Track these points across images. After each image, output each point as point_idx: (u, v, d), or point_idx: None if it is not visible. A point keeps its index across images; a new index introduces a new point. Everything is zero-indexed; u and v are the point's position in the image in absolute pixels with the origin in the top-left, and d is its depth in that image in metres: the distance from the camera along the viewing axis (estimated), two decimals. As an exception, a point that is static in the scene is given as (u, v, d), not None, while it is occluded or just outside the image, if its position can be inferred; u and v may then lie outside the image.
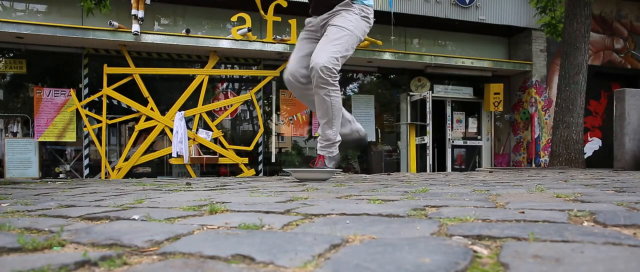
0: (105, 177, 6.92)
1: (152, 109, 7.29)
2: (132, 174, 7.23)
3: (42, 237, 0.80)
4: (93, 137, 7.20)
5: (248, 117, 8.65)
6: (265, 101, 8.35)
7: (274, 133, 8.52)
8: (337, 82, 2.56)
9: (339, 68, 2.54)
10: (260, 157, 8.11)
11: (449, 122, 9.41)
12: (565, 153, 6.72)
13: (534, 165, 9.06)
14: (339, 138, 2.80)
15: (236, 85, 8.45)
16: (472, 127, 9.74)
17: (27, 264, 0.60)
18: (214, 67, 7.75)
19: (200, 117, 7.59)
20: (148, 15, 7.32)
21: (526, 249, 0.65)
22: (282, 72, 3.17)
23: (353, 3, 2.66)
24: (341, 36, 2.56)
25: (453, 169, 9.23)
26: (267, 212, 1.12)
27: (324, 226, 0.90)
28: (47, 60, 7.63)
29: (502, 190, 1.76)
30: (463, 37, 9.50)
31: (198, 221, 1.00)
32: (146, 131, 7.36)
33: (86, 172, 7.45)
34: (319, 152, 2.82)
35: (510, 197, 1.42)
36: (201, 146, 7.56)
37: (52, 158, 7.62)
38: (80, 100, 7.25)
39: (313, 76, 2.49)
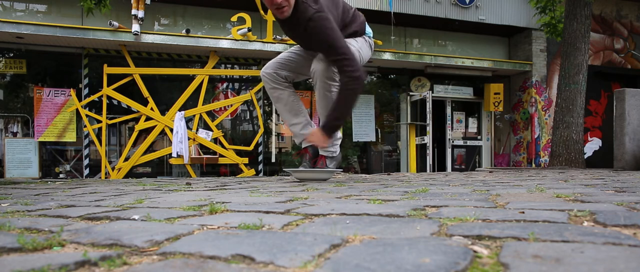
0: (105, 177, 6.93)
1: (152, 109, 7.29)
2: (132, 174, 7.23)
3: (42, 237, 0.80)
4: (93, 137, 7.20)
5: (248, 117, 8.66)
6: (265, 101, 8.35)
7: (274, 133, 8.52)
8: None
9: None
10: (260, 157, 8.12)
11: (449, 122, 9.41)
12: (565, 153, 6.72)
13: (534, 165, 9.06)
14: (340, 135, 2.82)
15: (236, 85, 8.45)
16: (472, 127, 9.74)
17: (27, 264, 0.60)
18: (214, 67, 7.75)
19: (200, 117, 7.59)
20: (148, 15, 7.32)
21: (526, 249, 0.65)
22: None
23: (357, 36, 2.79)
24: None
25: (453, 169, 9.23)
26: (267, 212, 1.12)
27: (324, 226, 0.90)
28: (47, 60, 7.63)
29: (502, 190, 1.76)
30: (463, 37, 9.50)
31: (198, 221, 1.00)
32: (146, 131, 7.36)
33: (86, 172, 7.45)
34: (320, 152, 2.82)
35: (510, 197, 1.42)
36: (201, 146, 7.56)
37: (52, 158, 7.62)
38: (80, 100, 7.25)
39: (313, 77, 2.57)
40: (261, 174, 7.99)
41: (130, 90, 7.31)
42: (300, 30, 2.52)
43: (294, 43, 2.97)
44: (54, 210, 1.26)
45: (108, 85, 7.15)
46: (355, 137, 8.72)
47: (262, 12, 7.27)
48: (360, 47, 2.76)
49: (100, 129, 7.22)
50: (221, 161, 7.56)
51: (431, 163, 8.73)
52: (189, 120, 7.47)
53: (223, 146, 7.59)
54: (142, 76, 7.30)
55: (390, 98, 9.45)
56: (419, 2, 8.47)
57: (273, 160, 8.27)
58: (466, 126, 9.67)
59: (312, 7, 2.43)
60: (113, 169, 7.17)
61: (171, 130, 7.24)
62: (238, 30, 7.35)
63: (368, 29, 2.85)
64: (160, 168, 7.92)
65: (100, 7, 5.85)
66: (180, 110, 7.33)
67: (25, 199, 1.63)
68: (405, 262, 0.58)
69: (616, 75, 10.12)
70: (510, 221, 0.91)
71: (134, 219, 1.03)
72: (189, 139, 7.32)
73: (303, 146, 2.94)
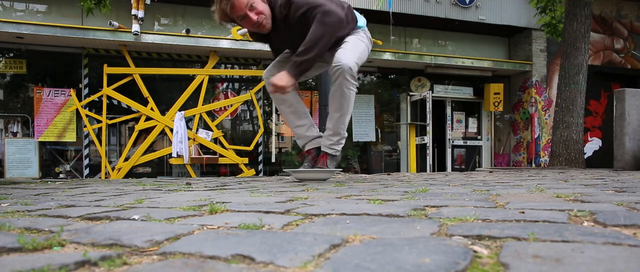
0: (105, 177, 6.92)
1: (152, 109, 7.29)
2: (132, 174, 7.23)
3: (42, 237, 0.80)
4: (93, 137, 7.20)
5: (248, 117, 8.66)
6: (265, 101, 8.35)
7: (274, 133, 8.52)
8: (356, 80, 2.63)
9: (357, 73, 2.62)
10: (260, 157, 8.12)
11: (449, 122, 9.41)
12: (565, 153, 6.72)
13: (534, 165, 9.05)
14: (346, 134, 2.81)
15: (236, 85, 8.45)
16: (472, 127, 9.74)
17: (27, 264, 0.60)
18: (214, 67, 7.75)
19: (200, 117, 7.59)
20: (148, 15, 7.32)
21: (526, 249, 0.65)
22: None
23: (358, 29, 2.79)
24: (361, 46, 2.69)
25: (453, 169, 9.23)
26: (267, 212, 1.12)
27: (324, 226, 0.90)
28: (47, 60, 7.63)
29: (502, 190, 1.76)
30: (463, 37, 9.50)
31: (198, 221, 1.00)
32: (146, 131, 7.37)
33: (86, 172, 7.45)
34: (324, 150, 2.81)
35: (510, 197, 1.42)
36: (201, 146, 7.57)
37: (52, 158, 7.62)
38: (80, 100, 7.25)
39: (335, 72, 2.53)
40: (261, 174, 7.99)
41: (130, 90, 7.31)
42: (290, 28, 2.50)
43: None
44: (54, 210, 1.26)
45: (108, 85, 7.15)
46: (355, 137, 8.72)
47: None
48: (367, 44, 2.77)
49: (100, 129, 7.22)
50: (221, 161, 7.56)
51: (431, 163, 8.73)
52: (189, 120, 7.47)
53: (223, 146, 7.59)
54: (142, 76, 7.30)
55: (390, 98, 9.45)
56: (419, 2, 8.47)
57: (273, 160, 8.27)
58: (466, 126, 9.67)
59: None
60: (113, 169, 7.17)
61: (171, 130, 7.24)
62: (238, 30, 7.35)
63: (361, 19, 2.82)
64: (160, 168, 7.92)
65: (100, 7, 5.85)
66: (180, 110, 7.33)
67: (25, 199, 1.63)
68: (405, 262, 0.58)
69: (616, 75, 10.12)
70: (510, 221, 0.91)
71: (134, 219, 1.03)
72: (189, 139, 7.32)
73: (306, 148, 2.93)
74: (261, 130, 7.92)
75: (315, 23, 2.39)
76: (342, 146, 2.83)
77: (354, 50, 2.61)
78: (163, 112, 7.41)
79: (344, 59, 2.51)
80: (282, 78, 2.40)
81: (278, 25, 2.55)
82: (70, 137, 7.32)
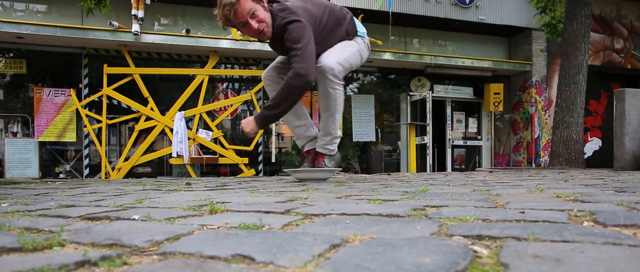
0: (105, 177, 6.92)
1: (152, 109, 7.29)
2: (132, 174, 7.23)
3: (42, 237, 0.80)
4: (93, 137, 7.20)
5: (248, 117, 8.65)
6: (265, 101, 8.35)
7: (274, 133, 8.52)
8: (342, 79, 2.63)
9: (343, 75, 2.62)
10: (260, 157, 8.12)
11: (449, 122, 9.41)
12: (565, 153, 6.72)
13: (534, 165, 9.06)
14: (339, 133, 2.81)
15: (236, 85, 8.45)
16: (472, 127, 9.74)
17: (27, 264, 0.60)
18: (214, 67, 7.75)
19: (200, 117, 7.59)
20: (148, 15, 7.32)
21: (526, 249, 0.65)
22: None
23: (356, 37, 2.82)
24: (349, 49, 2.70)
25: (453, 169, 9.23)
26: (267, 212, 1.12)
27: (324, 226, 0.90)
28: (47, 60, 7.63)
29: (502, 190, 1.76)
30: (463, 37, 9.50)
31: (198, 221, 1.00)
32: (146, 131, 7.37)
33: (86, 172, 7.45)
34: (318, 150, 2.81)
35: (510, 197, 1.42)
36: (201, 146, 7.57)
37: (52, 158, 7.62)
38: (80, 100, 7.25)
39: (318, 73, 2.54)
40: (261, 174, 7.99)
41: (130, 90, 7.31)
42: (284, 47, 2.53)
43: None
44: (54, 210, 1.26)
45: (108, 85, 7.15)
46: (355, 137, 8.72)
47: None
48: (360, 49, 2.77)
49: (100, 129, 7.22)
50: (221, 161, 7.56)
51: (431, 163, 8.73)
52: (189, 120, 7.47)
53: (223, 146, 7.59)
54: (142, 76, 7.30)
55: (390, 98, 9.45)
56: (419, 2, 8.47)
57: (273, 160, 8.27)
58: (466, 126, 9.67)
59: (279, 16, 2.47)
60: (113, 169, 7.17)
61: (171, 130, 7.24)
62: (238, 30, 7.34)
63: (361, 28, 2.84)
64: (160, 168, 7.92)
65: (100, 7, 5.84)
66: (180, 110, 7.33)
67: (25, 199, 1.63)
68: (405, 262, 0.58)
69: (616, 75, 10.12)
70: (510, 221, 0.91)
71: (134, 219, 1.03)
72: (189, 139, 7.32)
73: (306, 149, 2.94)
74: (261, 130, 7.93)
75: (286, 81, 2.42)
76: (335, 145, 2.83)
77: (339, 51, 2.63)
78: (163, 112, 7.41)
79: (325, 60, 2.53)
80: (249, 123, 2.52)
81: (276, 39, 2.59)
82: (70, 137, 7.32)
